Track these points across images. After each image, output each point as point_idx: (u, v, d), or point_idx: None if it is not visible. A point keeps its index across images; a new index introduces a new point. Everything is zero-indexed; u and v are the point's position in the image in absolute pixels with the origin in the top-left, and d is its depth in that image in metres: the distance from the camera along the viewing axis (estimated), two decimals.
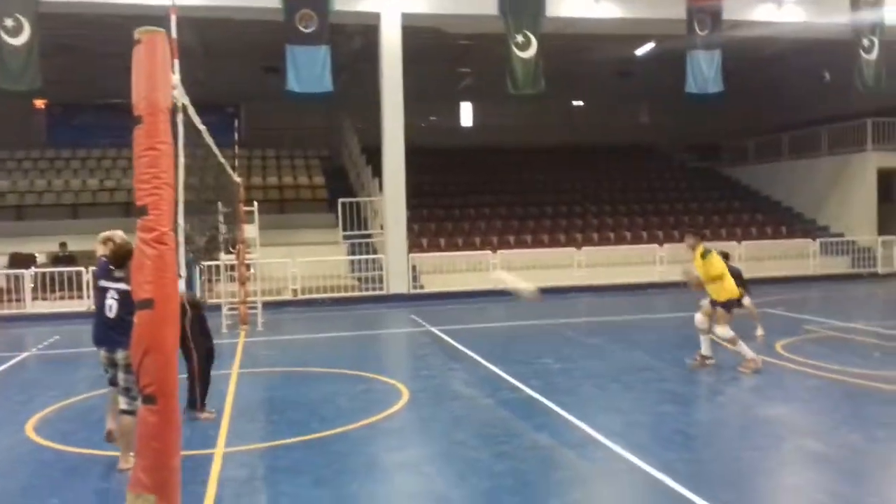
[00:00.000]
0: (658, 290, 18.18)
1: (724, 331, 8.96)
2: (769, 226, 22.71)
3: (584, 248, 19.45)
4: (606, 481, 5.71)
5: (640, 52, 23.71)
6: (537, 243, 20.34)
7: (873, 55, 18.88)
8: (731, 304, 9.10)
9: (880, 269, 20.19)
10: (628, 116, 29.54)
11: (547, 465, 5.93)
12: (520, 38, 17.54)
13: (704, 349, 9.16)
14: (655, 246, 19.76)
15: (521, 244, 20.26)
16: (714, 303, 9.08)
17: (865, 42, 18.87)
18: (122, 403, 5.66)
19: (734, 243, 19.93)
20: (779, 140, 25.97)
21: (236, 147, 15.53)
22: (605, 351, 10.90)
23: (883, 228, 21.46)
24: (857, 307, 14.25)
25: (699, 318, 9.21)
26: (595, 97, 29.02)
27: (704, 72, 18.35)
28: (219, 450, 6.40)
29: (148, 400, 3.56)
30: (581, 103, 30.04)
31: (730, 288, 9.03)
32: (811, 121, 24.68)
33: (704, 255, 8.99)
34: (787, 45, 21.29)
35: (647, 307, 15.83)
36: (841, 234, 21.81)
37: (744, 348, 8.90)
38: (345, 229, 19.40)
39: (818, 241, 20.72)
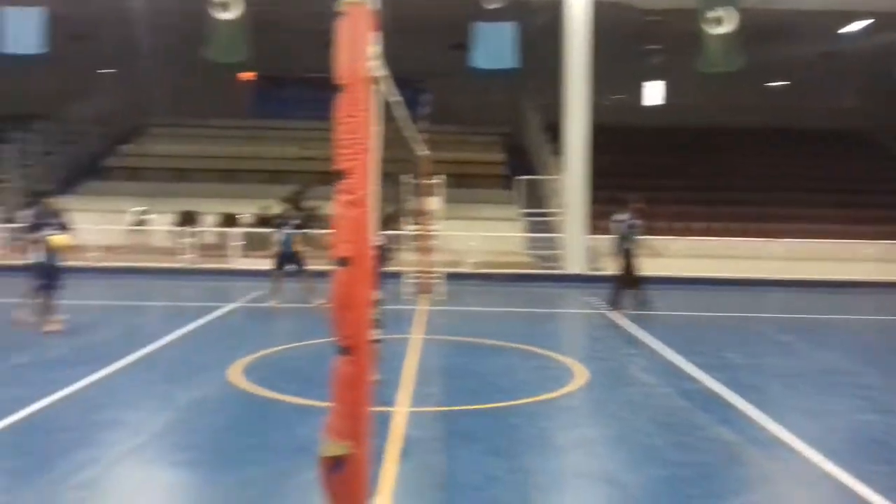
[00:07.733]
0: (862, 289, 16.65)
1: None
2: None
3: (781, 240, 18.14)
4: (795, 484, 5.34)
5: (849, 30, 21.68)
6: (726, 232, 19.23)
7: None
8: None
9: None
10: (832, 99, 27.13)
11: (731, 461, 5.65)
12: (714, 13, 16.57)
13: None
14: (862, 242, 18.08)
15: (708, 232, 19.26)
16: None
17: None
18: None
19: None
20: None
21: (426, 122, 15.97)
22: (797, 350, 10.18)
23: None
24: None
25: None
26: (794, 77, 26.89)
27: None
28: (401, 408, 6.66)
29: (345, 352, 3.74)
30: (778, 83, 27.98)
31: None
32: None
33: None
34: None
35: (848, 307, 14.58)
36: None
37: None
38: (522, 207, 19.39)
39: None
